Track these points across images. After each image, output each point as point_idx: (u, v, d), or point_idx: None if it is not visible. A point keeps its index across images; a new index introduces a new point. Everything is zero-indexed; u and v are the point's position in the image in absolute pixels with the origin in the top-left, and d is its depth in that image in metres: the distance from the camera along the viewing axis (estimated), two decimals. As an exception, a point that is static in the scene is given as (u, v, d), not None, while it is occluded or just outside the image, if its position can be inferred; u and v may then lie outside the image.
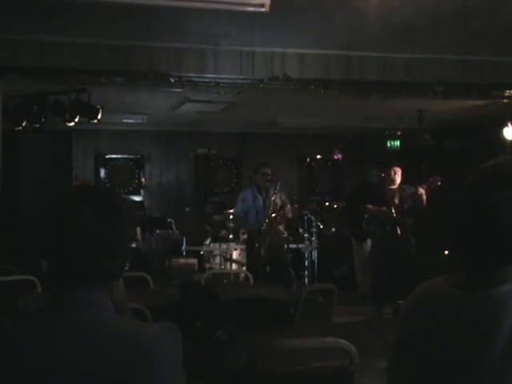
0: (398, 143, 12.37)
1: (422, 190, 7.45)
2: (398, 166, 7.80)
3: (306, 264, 9.77)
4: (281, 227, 8.17)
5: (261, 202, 8.12)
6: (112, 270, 1.67)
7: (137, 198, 12.19)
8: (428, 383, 1.51)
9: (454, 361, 1.46)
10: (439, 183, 7.47)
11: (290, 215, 8.40)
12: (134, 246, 9.27)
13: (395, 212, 7.56)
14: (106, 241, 1.64)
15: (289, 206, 8.33)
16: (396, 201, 7.63)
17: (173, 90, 7.43)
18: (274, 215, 7.93)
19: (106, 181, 12.26)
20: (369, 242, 8.33)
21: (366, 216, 7.86)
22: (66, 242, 1.63)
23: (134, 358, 1.54)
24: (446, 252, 9.76)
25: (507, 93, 7.83)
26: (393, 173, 7.73)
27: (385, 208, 7.61)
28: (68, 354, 1.54)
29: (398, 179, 7.73)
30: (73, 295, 1.62)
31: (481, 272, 1.50)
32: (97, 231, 1.63)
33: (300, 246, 9.72)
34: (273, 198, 8.00)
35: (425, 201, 7.48)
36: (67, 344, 1.55)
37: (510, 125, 9.58)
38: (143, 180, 12.53)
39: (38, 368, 1.53)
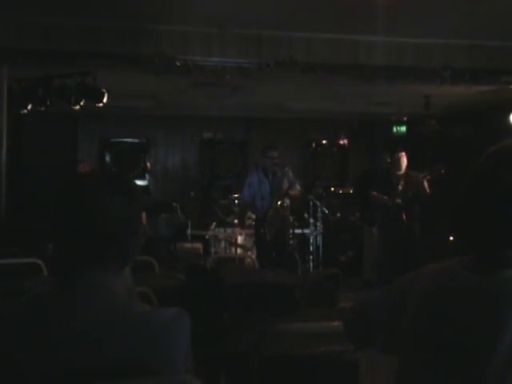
0: (404, 129, 12.32)
1: (424, 178, 7.44)
2: (403, 152, 7.78)
3: (311, 249, 9.78)
4: (287, 213, 8.13)
5: (267, 186, 8.03)
6: (128, 251, 1.69)
7: (142, 183, 12.18)
8: (441, 366, 1.50)
9: (468, 344, 1.45)
10: (443, 171, 7.45)
11: (297, 196, 8.28)
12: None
13: (399, 198, 7.54)
14: (123, 222, 1.66)
15: (297, 188, 8.24)
16: (400, 187, 7.62)
17: (178, 73, 7.40)
18: (279, 203, 7.88)
19: (111, 165, 12.25)
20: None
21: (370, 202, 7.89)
22: (85, 224, 1.64)
23: (147, 340, 1.57)
24: (452, 238, 9.75)
25: (515, 78, 7.79)
26: (398, 158, 7.71)
27: (387, 196, 7.60)
28: (83, 335, 1.55)
29: (404, 165, 7.71)
30: (86, 277, 1.63)
31: (492, 255, 1.49)
32: (115, 213, 1.65)
33: (305, 231, 9.73)
34: (281, 183, 7.94)
35: (427, 188, 7.46)
36: (82, 324, 1.56)
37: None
38: (148, 164, 12.52)
39: (53, 348, 1.54)
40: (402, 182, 7.64)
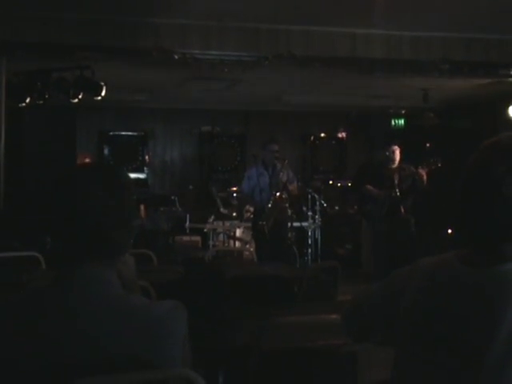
0: (402, 122, 12.31)
1: (422, 171, 7.46)
2: (397, 145, 7.80)
3: (309, 242, 9.80)
4: (286, 205, 8.13)
5: (266, 179, 8.03)
6: (121, 243, 1.69)
7: (140, 176, 12.18)
8: (438, 359, 1.51)
9: (465, 337, 1.46)
10: (439, 164, 7.48)
11: (294, 192, 8.32)
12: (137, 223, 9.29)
13: (395, 191, 7.56)
14: (114, 214, 1.66)
15: (295, 184, 8.26)
16: (396, 180, 7.64)
17: (177, 66, 7.39)
18: (278, 194, 7.87)
19: (110, 158, 12.25)
20: None
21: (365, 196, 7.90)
22: (76, 218, 1.64)
23: (145, 332, 1.57)
24: (450, 231, 9.76)
25: (513, 71, 7.78)
26: (392, 152, 7.73)
27: (383, 190, 7.62)
28: (81, 329, 1.56)
29: (397, 158, 7.73)
30: (82, 270, 1.63)
31: (489, 248, 1.50)
32: (105, 205, 1.65)
33: (303, 224, 9.74)
34: (280, 175, 7.94)
35: (425, 181, 7.49)
36: (80, 318, 1.57)
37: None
38: (147, 157, 12.52)
39: (51, 342, 1.55)
40: (396, 176, 7.67)
